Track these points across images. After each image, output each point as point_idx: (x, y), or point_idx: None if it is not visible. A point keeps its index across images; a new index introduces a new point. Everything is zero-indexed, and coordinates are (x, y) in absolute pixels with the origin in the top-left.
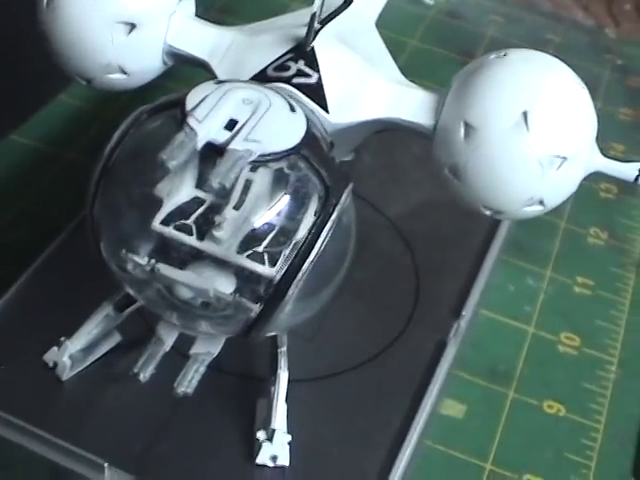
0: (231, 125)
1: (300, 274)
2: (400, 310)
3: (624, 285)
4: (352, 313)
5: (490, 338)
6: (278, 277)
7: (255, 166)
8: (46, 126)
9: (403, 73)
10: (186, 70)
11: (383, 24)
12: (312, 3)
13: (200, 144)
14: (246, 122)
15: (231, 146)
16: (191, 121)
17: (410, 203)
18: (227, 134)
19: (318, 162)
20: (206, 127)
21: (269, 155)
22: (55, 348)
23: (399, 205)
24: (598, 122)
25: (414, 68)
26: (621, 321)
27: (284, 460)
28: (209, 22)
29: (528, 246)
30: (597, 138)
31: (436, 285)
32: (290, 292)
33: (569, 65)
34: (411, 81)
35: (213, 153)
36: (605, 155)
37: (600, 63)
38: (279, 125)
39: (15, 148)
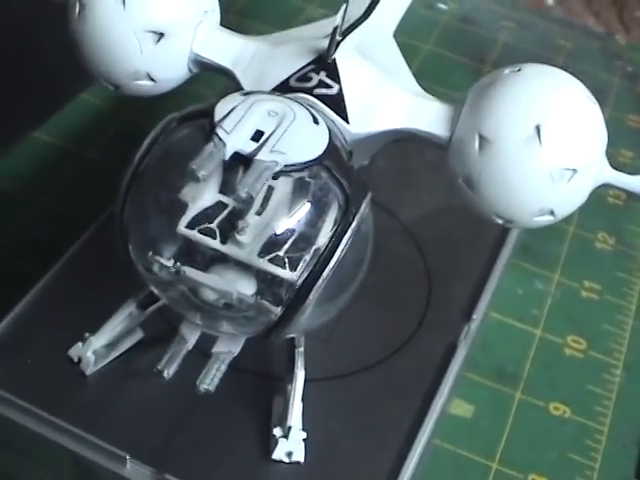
0: (257, 136)
1: (321, 280)
2: (412, 313)
3: (630, 290)
4: (366, 315)
5: (498, 340)
6: (299, 282)
7: (277, 174)
8: (67, 124)
9: (417, 77)
10: (205, 75)
11: (397, 29)
12: (327, 7)
13: (228, 154)
14: (272, 134)
15: (258, 157)
16: (220, 132)
17: (423, 208)
18: (254, 145)
19: (339, 172)
20: (234, 138)
21: (293, 165)
22: (80, 344)
23: (412, 210)
24: (607, 129)
25: (427, 72)
26: (627, 325)
27: (299, 456)
28: (234, 32)
29: (537, 250)
30: (606, 146)
31: (448, 289)
32: (311, 296)
33: (579, 71)
34: (425, 86)
35: (238, 162)
36: (614, 162)
37: (610, 70)
38: (303, 137)
39: (37, 145)
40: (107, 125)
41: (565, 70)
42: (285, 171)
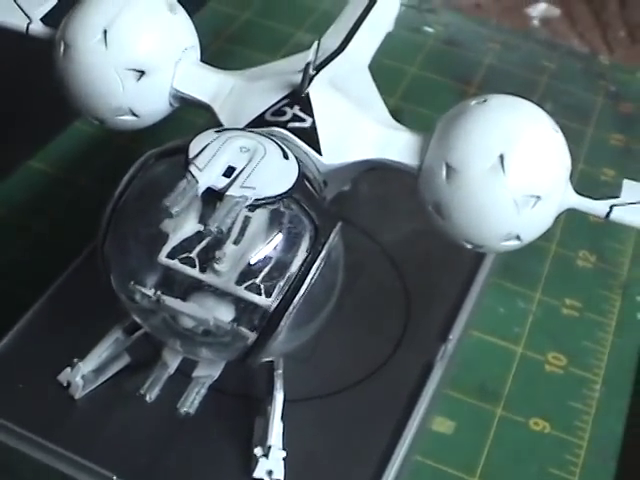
0: (229, 172)
1: (291, 307)
2: (390, 334)
3: (610, 307)
4: (345, 337)
5: (480, 358)
6: (272, 308)
7: (253, 207)
8: (62, 152)
9: (402, 99)
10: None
11: (383, 52)
12: (316, 33)
13: (200, 190)
14: (243, 169)
15: (228, 192)
16: (193, 169)
17: (402, 231)
18: (225, 181)
19: (308, 205)
20: (207, 175)
21: (263, 199)
22: (68, 369)
23: (392, 233)
24: (590, 147)
25: (413, 95)
26: (606, 342)
27: (279, 474)
28: (213, 67)
29: (518, 269)
30: (588, 163)
31: (426, 309)
32: (282, 322)
33: (563, 91)
34: (410, 108)
35: (212, 196)
36: (596, 181)
37: (593, 89)
38: (273, 171)
39: (32, 173)
40: (101, 152)
41: (530, 100)
42: (255, 205)
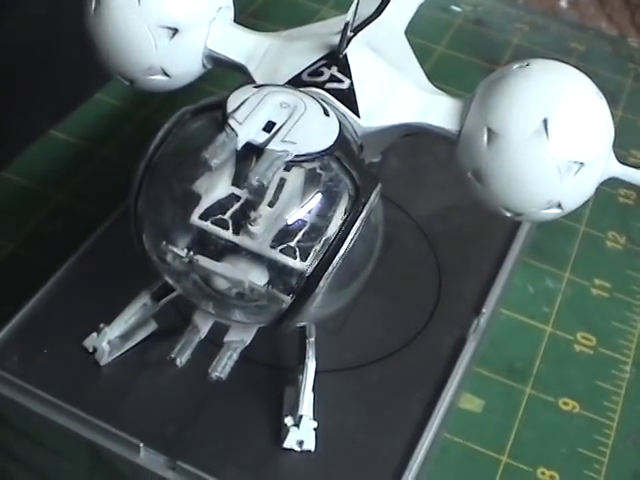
0: (269, 127)
1: (330, 268)
2: (423, 306)
3: None
4: (377, 308)
5: (509, 336)
6: (309, 271)
7: (289, 166)
8: (83, 123)
9: (430, 78)
10: (220, 73)
11: (412, 30)
12: (341, 9)
13: (240, 144)
14: (283, 124)
15: (269, 147)
16: (232, 122)
17: (434, 205)
18: (265, 135)
19: (349, 163)
20: (246, 128)
21: (304, 156)
22: (94, 334)
23: (423, 206)
24: (619, 130)
25: (441, 74)
26: (636, 323)
27: (310, 445)
28: (247, 28)
29: (548, 249)
30: (617, 145)
31: (458, 284)
32: (320, 285)
33: (592, 73)
34: (438, 87)
35: (250, 153)
36: (623, 162)
37: (622, 72)
38: (314, 128)
39: (54, 143)
40: (122, 124)
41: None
42: (296, 161)
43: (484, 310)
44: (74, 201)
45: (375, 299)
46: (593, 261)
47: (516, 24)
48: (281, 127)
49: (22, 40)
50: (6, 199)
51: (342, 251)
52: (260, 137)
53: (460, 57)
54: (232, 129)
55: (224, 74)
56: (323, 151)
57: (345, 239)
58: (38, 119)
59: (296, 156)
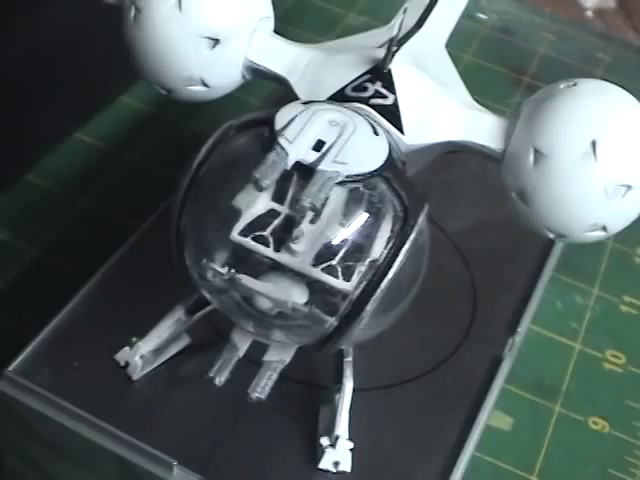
0: (319, 146)
1: (379, 291)
2: (457, 324)
3: None
4: (411, 326)
5: (538, 353)
6: (357, 292)
7: (344, 183)
8: (108, 126)
9: None
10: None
11: None
12: (368, 15)
13: (290, 164)
14: (333, 144)
15: (320, 167)
16: (282, 141)
17: (467, 220)
18: (315, 155)
19: (398, 184)
20: (296, 148)
21: (355, 176)
22: (127, 348)
23: (457, 222)
24: None
25: (467, 82)
26: None
27: (346, 466)
28: (288, 40)
29: (576, 264)
30: None
31: (492, 301)
32: (368, 308)
33: (619, 84)
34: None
35: (293, 170)
36: None
37: None
38: (364, 148)
39: (79, 147)
40: (148, 128)
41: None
42: (346, 182)
43: (519, 329)
44: (99, 206)
45: (409, 316)
46: (622, 277)
47: (542, 33)
48: (331, 146)
49: (47, 42)
50: (29, 203)
51: (391, 274)
52: (310, 156)
53: (486, 66)
54: (282, 148)
55: (252, 83)
56: (373, 172)
57: (394, 261)
58: (62, 122)
59: (347, 177)
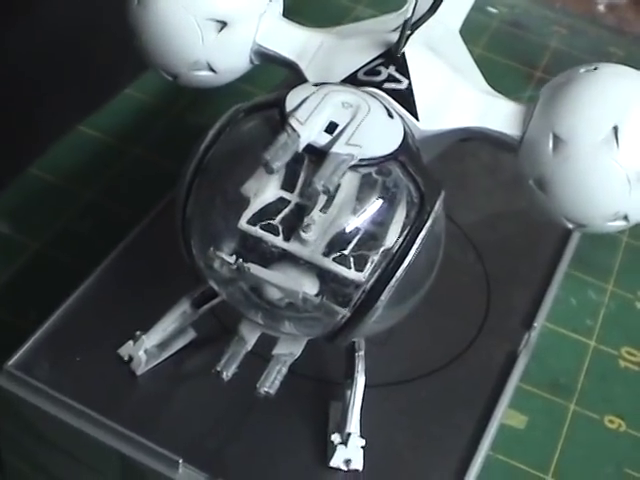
0: (331, 128)
1: (393, 280)
2: (471, 319)
3: None
4: (424, 321)
5: (552, 350)
6: (370, 283)
7: (357, 166)
8: (113, 119)
9: None
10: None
11: None
12: (376, 8)
13: (302, 146)
14: (346, 126)
15: (333, 149)
16: (293, 122)
17: (480, 212)
18: (328, 137)
19: (414, 169)
20: (308, 129)
21: (369, 160)
22: (130, 342)
23: (469, 214)
24: None
25: None
26: None
27: (358, 464)
28: (297, 24)
29: (590, 259)
30: None
31: (507, 296)
32: (383, 298)
33: None
34: None
35: (303, 154)
36: None
37: None
38: (378, 130)
39: (83, 140)
40: (153, 121)
41: None
42: (360, 165)
43: (535, 324)
44: (103, 200)
45: (422, 310)
46: (637, 273)
47: (553, 27)
48: (344, 129)
49: (52, 34)
50: (33, 196)
51: (406, 262)
52: (322, 139)
53: (497, 60)
54: (293, 129)
55: (253, 73)
56: (388, 155)
57: (410, 250)
58: (66, 114)
59: (361, 160)
